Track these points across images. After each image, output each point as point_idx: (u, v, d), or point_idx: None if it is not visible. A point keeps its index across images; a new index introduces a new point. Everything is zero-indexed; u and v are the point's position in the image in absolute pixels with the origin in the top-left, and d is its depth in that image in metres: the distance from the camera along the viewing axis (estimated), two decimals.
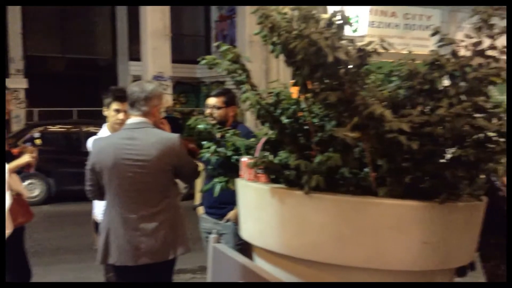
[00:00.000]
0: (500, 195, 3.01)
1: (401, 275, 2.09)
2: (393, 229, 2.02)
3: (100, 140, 3.11)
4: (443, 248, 2.07)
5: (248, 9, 12.34)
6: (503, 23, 2.13)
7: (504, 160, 2.05)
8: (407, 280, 2.10)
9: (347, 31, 2.18)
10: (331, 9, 9.38)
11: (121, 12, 15.44)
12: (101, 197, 3.07)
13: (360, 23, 12.91)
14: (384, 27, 14.64)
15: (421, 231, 2.02)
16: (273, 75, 12.71)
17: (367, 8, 13.62)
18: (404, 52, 2.40)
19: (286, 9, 2.27)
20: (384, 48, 2.11)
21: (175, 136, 2.96)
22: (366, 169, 2.21)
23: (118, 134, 3.05)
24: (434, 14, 15.34)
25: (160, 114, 3.07)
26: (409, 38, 14.76)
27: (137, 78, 12.70)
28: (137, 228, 2.90)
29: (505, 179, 3.03)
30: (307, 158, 2.26)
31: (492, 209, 2.45)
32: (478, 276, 3.12)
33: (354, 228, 2.05)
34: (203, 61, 2.60)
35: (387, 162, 2.09)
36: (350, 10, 11.89)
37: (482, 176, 2.23)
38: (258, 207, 2.34)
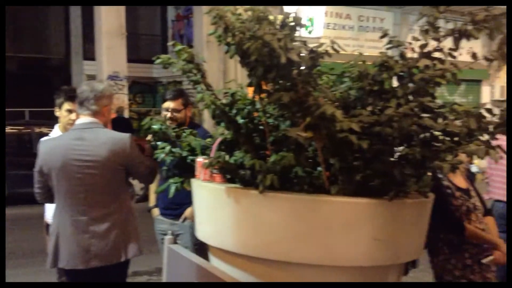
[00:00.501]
0: (446, 192, 3.11)
1: (353, 271, 2.14)
2: (344, 226, 2.06)
3: (48, 141, 3.04)
4: (393, 244, 2.14)
5: (205, 9, 12.27)
6: (449, 25, 2.20)
7: (449, 157, 2.12)
8: (359, 275, 2.15)
9: (304, 32, 2.21)
10: (287, 10, 9.46)
11: (75, 10, 15.07)
12: (50, 200, 3.00)
13: (316, 25, 13.08)
14: (339, 29, 14.87)
15: (371, 228, 2.08)
16: (231, 75, 12.69)
17: (322, 10, 13.80)
18: (356, 53, 2.45)
19: (240, 9, 2.29)
20: (335, 50, 2.15)
21: (126, 136, 2.92)
22: (319, 168, 2.25)
23: (67, 135, 2.99)
24: (387, 17, 15.70)
25: (110, 115, 3.03)
26: (363, 40, 15.05)
27: (91, 78, 12.44)
28: (87, 230, 2.85)
29: (451, 176, 3.15)
30: (262, 158, 2.28)
31: (440, 206, 2.54)
32: (428, 270, 3.23)
33: (308, 226, 2.09)
34: (158, 61, 2.59)
35: (338, 161, 2.14)
36: (305, 12, 12.02)
37: (429, 174, 2.31)
38: (214, 207, 2.35)
